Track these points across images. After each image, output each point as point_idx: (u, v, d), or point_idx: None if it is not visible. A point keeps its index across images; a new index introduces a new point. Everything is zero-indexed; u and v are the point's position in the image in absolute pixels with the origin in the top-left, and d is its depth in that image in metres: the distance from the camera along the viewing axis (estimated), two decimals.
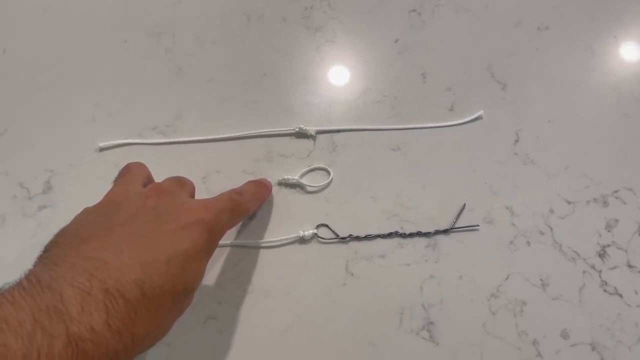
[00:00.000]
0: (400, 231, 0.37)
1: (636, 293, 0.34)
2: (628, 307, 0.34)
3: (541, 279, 0.35)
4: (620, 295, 0.34)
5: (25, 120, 0.42)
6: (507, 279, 0.35)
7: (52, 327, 0.20)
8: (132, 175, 0.31)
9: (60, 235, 0.26)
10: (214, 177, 0.39)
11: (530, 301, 0.35)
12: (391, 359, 0.34)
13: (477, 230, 0.37)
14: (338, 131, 0.40)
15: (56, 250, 0.24)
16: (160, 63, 0.44)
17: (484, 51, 0.42)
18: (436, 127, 0.40)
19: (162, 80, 0.43)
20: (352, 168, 0.39)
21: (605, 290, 0.35)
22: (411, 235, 0.37)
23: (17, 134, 0.42)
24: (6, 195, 0.40)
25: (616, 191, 0.37)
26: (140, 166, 0.33)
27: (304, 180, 0.39)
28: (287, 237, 0.37)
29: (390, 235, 0.37)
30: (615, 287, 0.35)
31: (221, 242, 0.33)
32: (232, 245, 0.37)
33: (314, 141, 0.40)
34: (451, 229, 0.37)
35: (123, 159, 0.39)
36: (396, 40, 0.43)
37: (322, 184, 0.39)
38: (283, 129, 0.40)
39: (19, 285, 0.22)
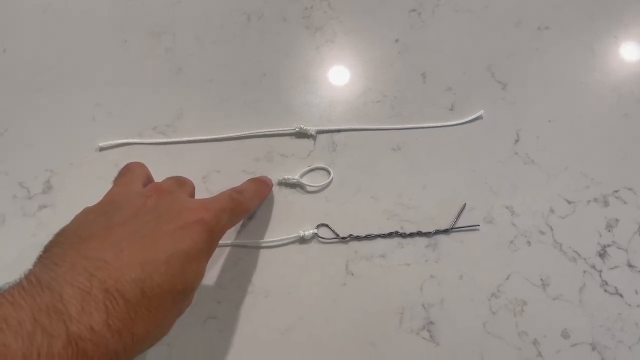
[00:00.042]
0: (401, 231, 0.37)
1: (636, 293, 0.34)
2: (628, 307, 0.34)
3: (541, 279, 0.35)
4: (621, 295, 0.34)
5: (25, 120, 0.42)
6: (507, 278, 0.35)
7: (51, 326, 0.20)
8: (132, 175, 0.31)
9: (60, 234, 0.26)
10: (214, 177, 0.39)
11: (530, 301, 0.35)
12: (391, 359, 0.34)
13: (478, 230, 0.37)
14: (338, 131, 0.40)
15: (56, 249, 0.24)
16: (161, 63, 0.44)
17: (484, 51, 0.42)
18: (436, 127, 0.40)
19: (162, 80, 0.43)
20: (352, 168, 0.39)
21: (605, 290, 0.35)
22: (411, 235, 0.37)
23: (17, 134, 0.42)
24: (6, 195, 0.40)
25: (616, 191, 0.37)
26: (140, 166, 0.33)
27: (304, 180, 0.39)
28: (287, 236, 0.37)
29: (390, 235, 0.37)
30: (615, 287, 0.35)
31: (221, 241, 0.33)
32: (232, 245, 0.37)
33: (314, 141, 0.40)
34: (451, 228, 0.37)
35: (123, 158, 0.39)
36: (396, 40, 0.43)
37: (323, 183, 0.39)
38: (283, 128, 0.40)
39: (18, 285, 0.22)
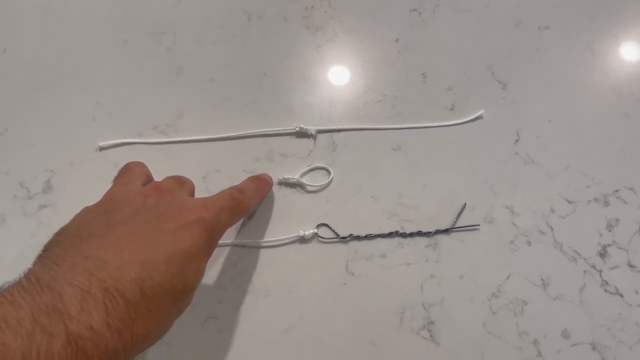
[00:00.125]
0: (401, 231, 0.37)
1: (637, 293, 0.34)
2: (629, 307, 0.34)
3: (542, 279, 0.35)
4: (621, 295, 0.34)
5: (26, 120, 0.42)
6: (507, 278, 0.35)
7: (51, 326, 0.20)
8: (132, 175, 0.31)
9: (60, 234, 0.26)
10: (214, 176, 0.39)
11: (530, 301, 0.34)
12: (391, 359, 0.34)
13: (478, 229, 0.37)
14: (338, 131, 0.40)
15: (56, 249, 0.24)
16: (161, 63, 0.44)
17: (484, 51, 0.42)
18: (437, 126, 0.40)
19: (163, 80, 0.43)
20: (352, 167, 0.39)
21: (606, 290, 0.35)
22: (412, 234, 0.37)
23: (17, 134, 0.42)
24: (6, 194, 0.40)
25: (617, 191, 0.37)
26: (140, 165, 0.33)
27: (304, 180, 0.38)
28: (287, 236, 0.37)
29: (390, 234, 0.37)
30: (616, 287, 0.35)
31: (221, 241, 0.33)
32: (232, 245, 0.37)
33: (315, 141, 0.40)
34: (452, 228, 0.37)
35: (123, 158, 0.39)
36: (396, 40, 0.43)
37: (323, 183, 0.39)
38: (283, 128, 0.40)
39: (18, 284, 0.22)
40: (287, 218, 0.38)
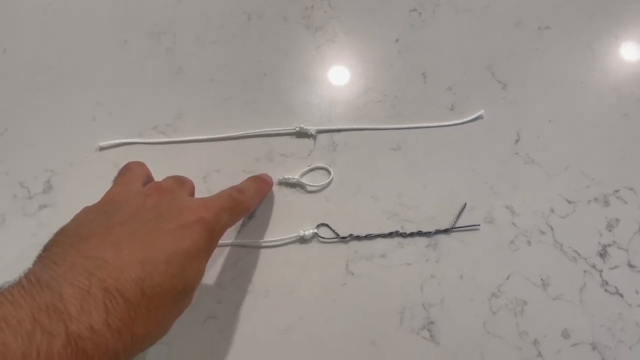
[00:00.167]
0: (401, 231, 0.37)
1: (637, 293, 0.34)
2: (629, 307, 0.34)
3: (542, 279, 0.35)
4: (621, 295, 0.34)
5: (26, 120, 0.42)
6: (507, 278, 0.35)
7: (51, 326, 0.20)
8: (132, 174, 0.31)
9: (60, 234, 0.26)
10: (214, 176, 0.39)
11: (530, 301, 0.34)
12: (392, 359, 0.34)
13: (478, 229, 0.37)
14: (338, 131, 0.40)
15: (56, 249, 0.24)
16: (161, 63, 0.44)
17: (484, 51, 0.42)
18: (437, 126, 0.40)
19: (163, 80, 0.43)
20: (352, 167, 0.39)
21: (606, 290, 0.35)
22: (412, 234, 0.37)
23: (18, 134, 0.42)
24: (6, 194, 0.40)
25: (617, 191, 0.37)
26: (140, 165, 0.33)
27: (304, 180, 0.38)
28: (287, 236, 0.37)
29: (390, 234, 0.37)
30: (616, 287, 0.35)
31: (221, 241, 0.33)
32: (232, 245, 0.37)
33: (315, 141, 0.40)
34: (452, 228, 0.37)
35: (123, 158, 0.38)
36: (396, 40, 0.43)
37: (323, 183, 0.39)
38: (283, 128, 0.40)
39: (18, 284, 0.22)
40: (287, 218, 0.38)
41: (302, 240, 0.37)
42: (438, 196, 0.38)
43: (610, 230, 0.36)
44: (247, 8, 0.45)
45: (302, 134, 0.40)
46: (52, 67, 0.44)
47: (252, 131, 0.40)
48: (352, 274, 0.36)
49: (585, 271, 0.35)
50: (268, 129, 0.40)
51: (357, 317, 0.35)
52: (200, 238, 0.27)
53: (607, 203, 0.37)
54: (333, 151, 0.40)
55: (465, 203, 0.37)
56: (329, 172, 0.39)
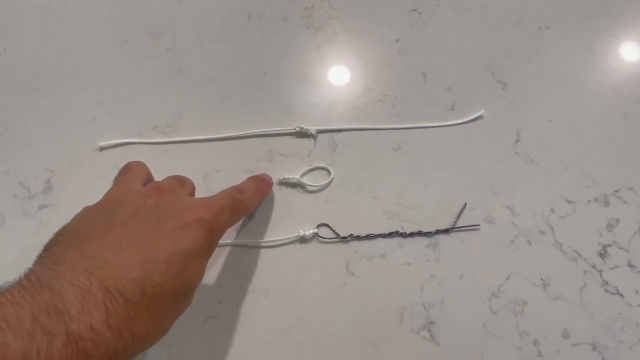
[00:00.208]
0: (401, 231, 0.37)
1: (637, 293, 0.34)
2: (629, 307, 0.34)
3: (542, 279, 0.35)
4: (621, 295, 0.34)
5: (26, 120, 0.42)
6: (507, 278, 0.35)
7: (51, 325, 0.20)
8: (132, 174, 0.31)
9: (60, 234, 0.26)
10: (214, 176, 0.39)
11: (531, 301, 0.34)
12: (392, 359, 0.34)
13: (478, 229, 0.37)
14: (339, 131, 0.40)
15: (56, 249, 0.24)
16: (161, 63, 0.44)
17: (484, 51, 0.42)
18: (437, 126, 0.40)
19: (163, 80, 0.43)
20: (352, 167, 0.39)
21: (606, 290, 0.35)
22: (412, 234, 0.37)
23: (18, 134, 0.42)
24: (7, 194, 0.40)
25: (617, 191, 0.37)
26: (140, 165, 0.33)
27: (304, 180, 0.38)
28: (287, 236, 0.37)
29: (390, 234, 0.37)
30: (616, 287, 0.35)
31: (221, 241, 0.33)
32: (232, 245, 0.37)
33: (315, 141, 0.40)
34: (452, 228, 0.37)
35: (123, 158, 0.38)
36: (397, 40, 0.43)
37: (323, 183, 0.39)
38: (284, 128, 0.40)
39: (18, 284, 0.22)
40: (288, 218, 0.38)
41: (303, 240, 0.37)
42: (438, 196, 0.38)
43: (610, 230, 0.36)
44: (247, 8, 0.45)
45: (302, 134, 0.40)
46: (52, 67, 0.44)
47: (252, 131, 0.40)
48: (352, 274, 0.36)
49: (585, 271, 0.35)
50: (268, 129, 0.40)
51: (357, 317, 0.35)
52: (201, 238, 0.27)
53: (607, 203, 0.37)
54: (333, 151, 0.40)
55: (466, 203, 0.37)
56: (329, 172, 0.39)
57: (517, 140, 0.39)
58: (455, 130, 0.40)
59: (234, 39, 0.44)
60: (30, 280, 0.22)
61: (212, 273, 0.36)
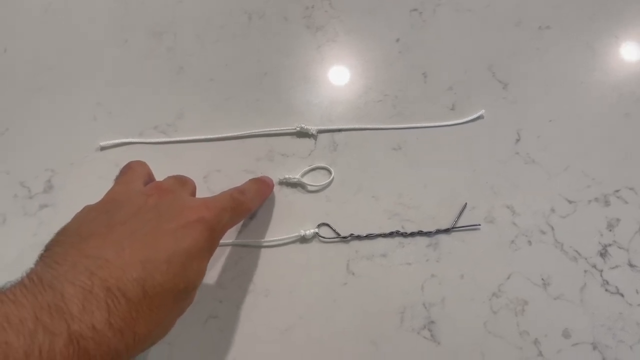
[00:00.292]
0: (402, 230, 0.37)
1: (637, 292, 0.34)
2: (629, 307, 0.34)
3: (542, 279, 0.35)
4: (622, 295, 0.34)
5: (26, 119, 0.42)
6: (508, 278, 0.35)
7: (53, 325, 0.20)
8: (133, 174, 0.31)
9: (61, 233, 0.26)
10: (215, 176, 0.39)
11: (531, 300, 0.35)
12: (392, 359, 0.34)
13: (478, 229, 0.37)
14: (339, 130, 0.40)
15: (57, 248, 0.24)
16: (161, 62, 0.44)
17: (485, 51, 0.42)
18: (437, 126, 0.40)
19: (163, 80, 0.43)
20: (353, 167, 0.39)
21: (606, 290, 0.35)
22: (412, 234, 0.37)
23: (18, 134, 0.42)
24: (7, 194, 0.40)
25: (617, 190, 0.37)
26: (141, 164, 0.33)
27: (305, 180, 0.38)
28: (288, 236, 0.37)
29: (391, 234, 0.37)
30: (616, 287, 0.35)
31: (222, 241, 0.33)
32: (233, 245, 0.37)
33: (315, 140, 0.40)
34: (452, 228, 0.37)
35: (124, 158, 0.38)
36: (397, 40, 0.43)
37: (323, 183, 0.39)
38: (284, 128, 0.40)
39: (20, 283, 0.22)
40: (288, 218, 0.38)
41: (303, 240, 0.37)
42: (439, 196, 0.38)
43: (610, 230, 0.36)
44: (248, 8, 0.45)
45: (302, 134, 0.40)
46: (52, 67, 0.44)
47: (253, 131, 0.40)
48: (353, 273, 0.36)
49: (585, 271, 0.35)
50: (269, 129, 0.40)
51: (357, 316, 0.35)
52: (201, 238, 0.27)
53: (607, 203, 0.37)
54: (334, 151, 0.40)
55: (466, 203, 0.37)
56: (330, 172, 0.39)
57: (518, 140, 0.39)
58: (455, 130, 0.40)
59: (235, 38, 0.44)
60: (32, 280, 0.22)
61: (213, 272, 0.36)
